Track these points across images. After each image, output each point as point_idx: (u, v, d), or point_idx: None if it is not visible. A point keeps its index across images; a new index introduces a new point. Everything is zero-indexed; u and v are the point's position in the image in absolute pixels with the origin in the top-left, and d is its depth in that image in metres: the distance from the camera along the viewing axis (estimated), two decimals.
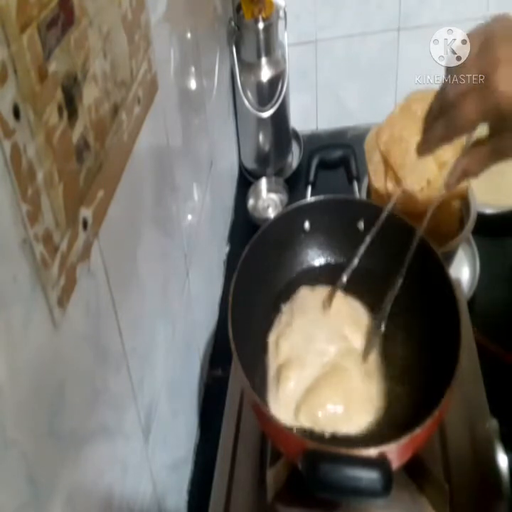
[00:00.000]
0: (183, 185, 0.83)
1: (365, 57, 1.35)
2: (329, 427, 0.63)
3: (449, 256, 0.92)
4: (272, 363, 0.69)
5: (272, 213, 1.22)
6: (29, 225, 0.37)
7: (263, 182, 1.25)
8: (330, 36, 1.33)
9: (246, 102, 1.21)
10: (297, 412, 0.64)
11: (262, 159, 1.31)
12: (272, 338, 0.71)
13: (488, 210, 1.07)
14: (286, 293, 0.75)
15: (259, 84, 1.21)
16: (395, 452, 0.55)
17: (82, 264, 0.46)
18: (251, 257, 0.70)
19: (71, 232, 0.43)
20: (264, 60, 1.20)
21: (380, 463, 0.54)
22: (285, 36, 1.23)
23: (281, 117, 1.27)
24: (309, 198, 0.91)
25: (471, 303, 0.97)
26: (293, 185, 1.24)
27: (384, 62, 1.35)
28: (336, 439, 0.62)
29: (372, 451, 0.55)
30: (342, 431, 0.63)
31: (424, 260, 0.68)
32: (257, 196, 1.25)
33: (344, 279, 0.73)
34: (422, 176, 0.91)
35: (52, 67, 0.40)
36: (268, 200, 1.25)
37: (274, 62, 1.21)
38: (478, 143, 0.59)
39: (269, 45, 1.19)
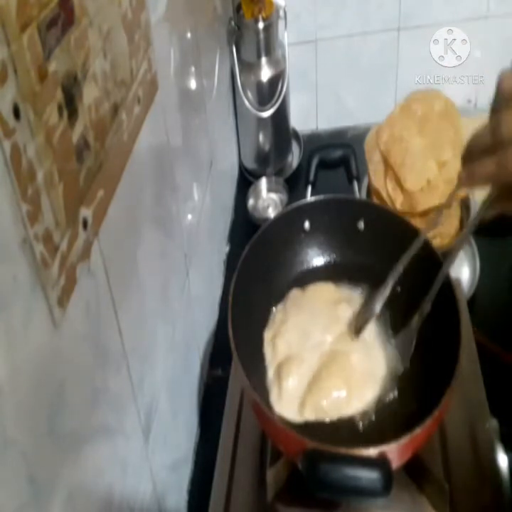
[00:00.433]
0: (183, 185, 0.83)
1: (365, 57, 1.35)
2: (334, 413, 0.63)
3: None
4: (271, 362, 0.69)
5: (271, 213, 1.22)
6: (29, 224, 0.37)
7: (263, 182, 1.25)
8: (330, 36, 1.32)
9: (246, 102, 1.21)
10: (302, 408, 0.64)
11: (262, 159, 1.31)
12: (267, 338, 0.71)
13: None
14: (287, 293, 0.75)
15: (259, 84, 1.21)
16: (395, 452, 0.55)
17: (82, 264, 0.46)
18: (251, 257, 0.70)
19: (71, 231, 0.43)
20: (264, 59, 1.20)
21: (380, 463, 0.54)
22: (285, 36, 1.23)
23: (281, 117, 1.27)
24: (309, 198, 0.91)
25: (471, 303, 0.97)
26: (293, 185, 1.24)
27: (384, 62, 1.35)
28: (336, 439, 0.62)
29: (372, 451, 0.55)
30: (347, 413, 0.63)
31: (424, 260, 0.68)
32: (257, 196, 1.25)
33: (377, 308, 0.68)
34: (422, 175, 0.91)
35: (52, 66, 0.40)
36: (268, 200, 1.25)
37: (274, 62, 1.21)
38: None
39: (269, 45, 1.19)
